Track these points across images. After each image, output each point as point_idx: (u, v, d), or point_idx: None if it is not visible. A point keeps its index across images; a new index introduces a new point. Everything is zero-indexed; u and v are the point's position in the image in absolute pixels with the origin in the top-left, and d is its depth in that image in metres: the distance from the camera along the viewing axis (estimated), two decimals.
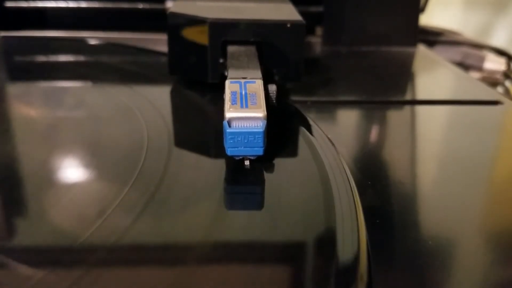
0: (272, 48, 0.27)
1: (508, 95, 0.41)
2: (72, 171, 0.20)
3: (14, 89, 0.30)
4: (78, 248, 0.15)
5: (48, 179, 0.19)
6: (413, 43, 0.40)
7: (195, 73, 0.28)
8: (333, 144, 0.22)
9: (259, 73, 0.22)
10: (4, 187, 0.18)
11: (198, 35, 0.27)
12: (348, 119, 0.28)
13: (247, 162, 0.19)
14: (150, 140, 0.21)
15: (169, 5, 0.41)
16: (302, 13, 0.28)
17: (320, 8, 0.40)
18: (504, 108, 0.28)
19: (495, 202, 0.20)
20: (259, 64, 0.24)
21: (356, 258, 0.15)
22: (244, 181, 0.19)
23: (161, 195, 0.18)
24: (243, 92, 0.20)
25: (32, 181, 0.19)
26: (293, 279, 0.14)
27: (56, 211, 0.17)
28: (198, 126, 0.25)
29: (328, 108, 0.28)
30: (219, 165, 0.20)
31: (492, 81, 0.43)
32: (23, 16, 0.42)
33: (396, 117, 0.28)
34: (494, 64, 0.43)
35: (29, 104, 0.27)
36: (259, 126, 0.18)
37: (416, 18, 0.40)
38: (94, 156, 0.21)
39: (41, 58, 0.36)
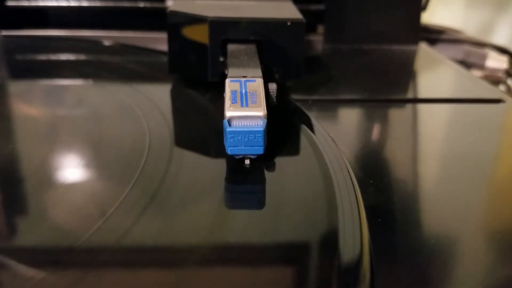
0: (272, 46, 0.27)
1: (510, 93, 0.41)
2: (73, 170, 0.20)
3: (15, 88, 0.30)
4: (79, 249, 0.15)
5: (49, 178, 0.19)
6: (415, 41, 0.40)
7: (195, 71, 0.28)
8: (335, 143, 0.22)
9: (259, 72, 0.22)
10: (5, 186, 0.18)
11: (198, 34, 0.27)
12: (349, 118, 0.28)
13: (247, 161, 0.19)
14: (152, 139, 0.21)
15: (170, 3, 0.41)
16: (303, 11, 0.28)
17: (321, 6, 0.40)
18: (506, 106, 0.28)
19: (497, 200, 0.20)
20: (259, 63, 0.24)
21: (358, 257, 0.15)
22: (245, 180, 0.19)
23: (162, 195, 0.17)
24: (243, 91, 0.20)
25: (33, 181, 0.19)
26: (295, 279, 0.14)
27: (57, 211, 0.17)
28: (199, 125, 0.25)
29: (330, 106, 0.28)
30: (220, 164, 0.20)
31: (494, 79, 0.43)
32: (24, 15, 0.42)
33: (397, 115, 0.28)
34: (496, 62, 0.43)
35: (30, 103, 0.27)
36: (259, 125, 0.18)
37: (418, 16, 0.40)
38: (95, 155, 0.20)
39: (42, 57, 0.36)
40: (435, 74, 0.35)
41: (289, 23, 0.26)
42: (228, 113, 0.19)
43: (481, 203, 0.19)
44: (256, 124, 0.18)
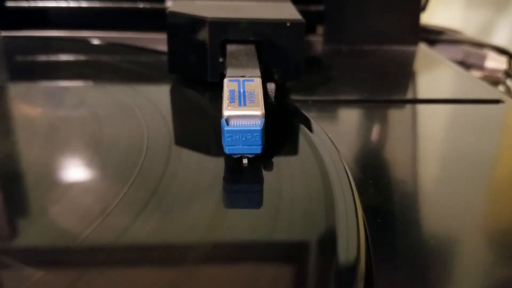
0: (271, 47, 0.27)
1: (509, 93, 0.41)
2: (72, 170, 0.20)
3: (15, 89, 0.30)
4: (78, 247, 0.15)
5: (49, 178, 0.19)
6: (414, 42, 0.40)
7: (194, 72, 0.28)
8: (333, 143, 0.22)
9: (257, 72, 0.22)
10: (4, 186, 0.18)
11: (197, 34, 0.27)
12: (349, 118, 0.28)
13: (245, 161, 0.19)
14: (150, 139, 0.21)
15: (169, 4, 0.41)
16: (302, 12, 0.28)
17: (321, 7, 0.40)
18: (505, 106, 0.28)
19: (496, 200, 0.20)
20: (258, 63, 0.24)
21: (357, 257, 0.15)
22: (243, 179, 0.19)
23: (160, 194, 0.17)
24: (242, 91, 0.20)
25: (32, 180, 0.19)
26: (293, 279, 0.14)
27: (56, 210, 0.17)
28: (198, 124, 0.25)
29: (329, 107, 0.28)
30: (219, 163, 0.20)
31: (493, 80, 0.43)
32: (23, 16, 0.42)
33: (397, 116, 0.28)
34: (495, 62, 0.43)
35: (30, 103, 0.27)
36: (257, 124, 0.18)
37: (417, 17, 0.40)
38: (94, 155, 0.20)
39: (42, 58, 0.36)
40: (434, 74, 0.35)
41: (288, 24, 0.26)
42: (226, 112, 0.19)
43: (481, 203, 0.19)
44: (254, 123, 0.18)
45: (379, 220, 0.17)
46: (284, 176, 0.19)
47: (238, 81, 0.21)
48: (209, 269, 0.14)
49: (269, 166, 0.19)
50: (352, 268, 0.15)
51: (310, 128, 0.23)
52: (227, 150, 0.19)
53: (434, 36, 0.46)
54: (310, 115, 0.25)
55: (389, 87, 0.32)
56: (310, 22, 0.28)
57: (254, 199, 0.18)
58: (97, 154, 0.21)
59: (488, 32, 0.64)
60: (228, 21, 0.27)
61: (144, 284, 0.14)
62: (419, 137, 0.25)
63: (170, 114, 0.25)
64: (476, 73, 0.43)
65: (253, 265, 0.15)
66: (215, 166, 0.20)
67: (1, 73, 0.32)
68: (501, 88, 0.43)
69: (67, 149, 0.21)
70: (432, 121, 0.27)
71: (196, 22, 0.27)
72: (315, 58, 0.38)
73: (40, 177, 0.19)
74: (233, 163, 0.19)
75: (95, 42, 0.39)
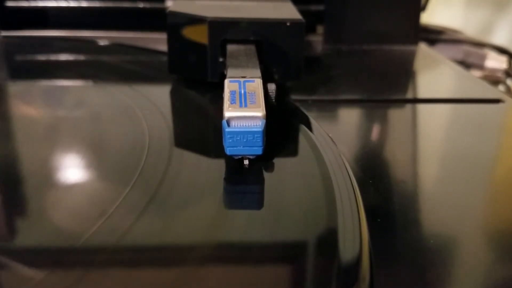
0: (271, 47, 0.27)
1: (510, 93, 0.41)
2: (72, 171, 0.20)
3: (15, 89, 0.30)
4: (79, 249, 0.15)
5: (49, 179, 0.19)
6: (415, 42, 0.40)
7: (195, 72, 0.28)
8: (334, 143, 0.22)
9: (258, 72, 0.22)
10: (4, 187, 0.18)
11: (197, 34, 0.27)
12: (349, 118, 0.28)
13: (246, 162, 0.19)
14: (151, 139, 0.21)
15: (169, 4, 0.41)
16: (303, 12, 0.28)
17: (321, 7, 0.40)
18: (506, 106, 0.28)
19: (496, 200, 0.20)
20: (258, 63, 0.24)
21: (358, 257, 0.15)
22: (244, 180, 0.19)
23: (161, 196, 0.17)
24: (242, 91, 0.20)
25: (32, 181, 0.19)
26: (294, 279, 0.14)
27: (57, 212, 0.17)
28: (199, 125, 0.25)
29: (329, 106, 0.28)
30: (220, 164, 0.20)
31: (493, 80, 0.43)
32: (23, 15, 0.42)
33: (397, 115, 0.28)
34: (496, 62, 0.43)
35: (30, 103, 0.27)
36: (258, 125, 0.18)
37: (417, 17, 0.40)
38: (95, 156, 0.21)
39: (42, 58, 0.36)
40: (434, 74, 0.35)
41: (288, 24, 0.27)
42: (227, 114, 0.19)
43: (481, 203, 0.19)
44: (254, 124, 0.18)
45: (379, 220, 0.17)
46: (285, 176, 0.19)
47: (239, 82, 0.21)
48: (211, 269, 0.14)
49: (270, 167, 0.19)
50: (353, 269, 0.15)
51: (310, 128, 0.23)
52: (228, 151, 0.19)
53: (434, 36, 0.46)
54: (310, 115, 0.25)
55: (389, 87, 0.32)
56: (310, 22, 0.28)
57: (256, 200, 0.18)
58: (98, 154, 0.21)
59: (488, 32, 0.64)
60: (228, 21, 0.27)
61: (145, 285, 0.14)
62: (419, 137, 0.25)
63: (171, 115, 0.25)
64: (476, 73, 0.43)
65: (255, 265, 0.15)
66: (216, 167, 0.20)
67: (1, 73, 0.32)
68: (501, 87, 0.43)
69: (67, 149, 0.21)
70: (432, 121, 0.27)
71: (196, 22, 0.27)
72: (315, 58, 0.38)
73: (40, 178, 0.19)
74: (234, 164, 0.19)
75: (95, 42, 0.39)
